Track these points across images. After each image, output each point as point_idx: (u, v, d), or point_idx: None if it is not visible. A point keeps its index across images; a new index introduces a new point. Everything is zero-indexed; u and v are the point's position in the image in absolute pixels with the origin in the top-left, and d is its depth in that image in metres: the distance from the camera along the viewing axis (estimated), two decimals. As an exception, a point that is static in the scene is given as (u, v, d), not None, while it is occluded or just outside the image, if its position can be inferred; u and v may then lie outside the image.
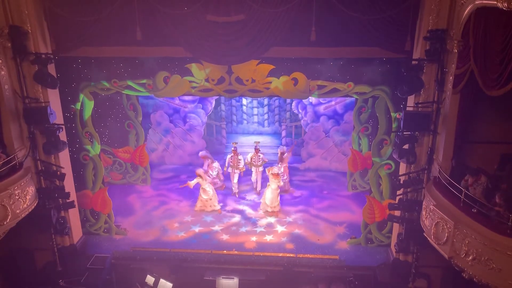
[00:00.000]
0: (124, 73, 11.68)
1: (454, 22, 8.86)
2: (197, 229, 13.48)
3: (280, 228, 13.50)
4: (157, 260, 12.00)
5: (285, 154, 15.45)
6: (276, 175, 13.86)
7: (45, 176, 11.29)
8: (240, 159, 15.21)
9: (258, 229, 13.46)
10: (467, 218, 8.18)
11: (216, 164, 15.61)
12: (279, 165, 15.09)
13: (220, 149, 18.29)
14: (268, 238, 13.05)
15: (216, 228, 13.53)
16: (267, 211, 14.16)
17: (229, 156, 15.40)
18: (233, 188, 15.45)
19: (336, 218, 13.95)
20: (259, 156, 15.07)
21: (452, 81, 9.01)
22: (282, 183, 14.35)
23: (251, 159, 15.14)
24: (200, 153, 15.99)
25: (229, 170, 15.37)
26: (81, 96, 11.94)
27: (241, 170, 15.37)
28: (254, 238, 13.03)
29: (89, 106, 12.26)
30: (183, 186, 14.73)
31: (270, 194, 13.98)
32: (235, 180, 15.40)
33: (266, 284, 11.47)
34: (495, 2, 6.97)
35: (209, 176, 14.97)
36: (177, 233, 13.30)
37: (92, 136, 12.49)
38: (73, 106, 11.98)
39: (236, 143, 15.56)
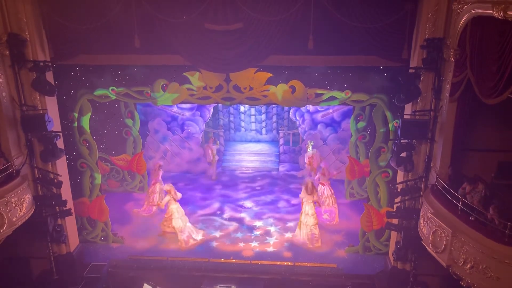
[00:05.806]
0: (122, 81, 11.68)
1: (451, 30, 8.92)
2: (194, 238, 13.37)
3: (278, 237, 13.45)
4: (154, 269, 11.96)
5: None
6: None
7: (42, 183, 11.25)
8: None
9: (256, 237, 13.41)
10: (465, 226, 8.18)
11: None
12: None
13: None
14: (266, 246, 12.99)
15: (214, 236, 13.46)
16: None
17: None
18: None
19: (334, 226, 13.92)
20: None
21: (449, 89, 9.06)
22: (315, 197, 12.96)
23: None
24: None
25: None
26: (79, 103, 11.93)
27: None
28: (252, 246, 12.97)
29: (87, 113, 12.24)
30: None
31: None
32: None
33: (263, 292, 11.41)
34: (491, 11, 7.02)
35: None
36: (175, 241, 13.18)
37: (89, 143, 12.47)
38: (71, 113, 11.97)
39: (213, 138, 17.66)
